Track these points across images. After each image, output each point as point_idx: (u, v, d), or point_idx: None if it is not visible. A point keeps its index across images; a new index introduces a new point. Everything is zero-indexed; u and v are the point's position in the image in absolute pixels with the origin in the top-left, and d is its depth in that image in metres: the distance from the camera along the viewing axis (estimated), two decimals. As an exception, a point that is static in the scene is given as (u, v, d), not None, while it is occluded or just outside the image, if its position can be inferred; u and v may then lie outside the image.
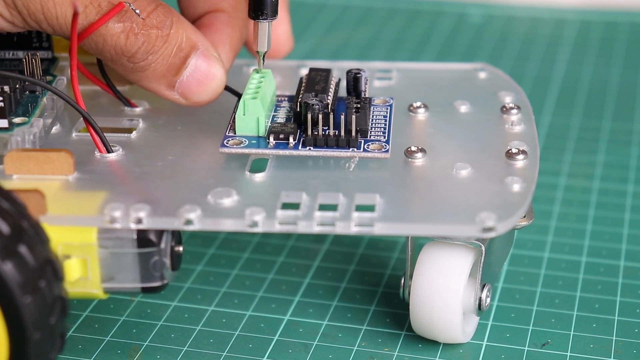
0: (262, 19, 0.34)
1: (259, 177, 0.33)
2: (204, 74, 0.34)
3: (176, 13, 0.34)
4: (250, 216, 0.31)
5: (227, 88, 0.36)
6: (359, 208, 0.31)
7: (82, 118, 0.36)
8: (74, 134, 0.35)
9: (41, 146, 0.34)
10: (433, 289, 0.33)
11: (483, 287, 0.34)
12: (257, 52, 0.35)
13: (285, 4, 0.38)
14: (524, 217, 0.34)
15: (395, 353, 0.34)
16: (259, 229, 0.31)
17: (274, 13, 0.35)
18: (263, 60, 0.35)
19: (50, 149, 0.33)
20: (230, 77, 0.36)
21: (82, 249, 0.31)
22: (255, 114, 0.34)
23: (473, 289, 0.34)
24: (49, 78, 0.36)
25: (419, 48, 0.58)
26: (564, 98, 0.52)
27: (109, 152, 0.34)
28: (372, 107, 0.36)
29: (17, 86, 0.34)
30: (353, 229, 0.31)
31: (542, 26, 0.60)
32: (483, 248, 0.33)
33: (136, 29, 0.32)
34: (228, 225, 0.31)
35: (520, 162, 0.34)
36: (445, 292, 0.33)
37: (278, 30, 0.38)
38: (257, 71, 0.35)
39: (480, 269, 0.33)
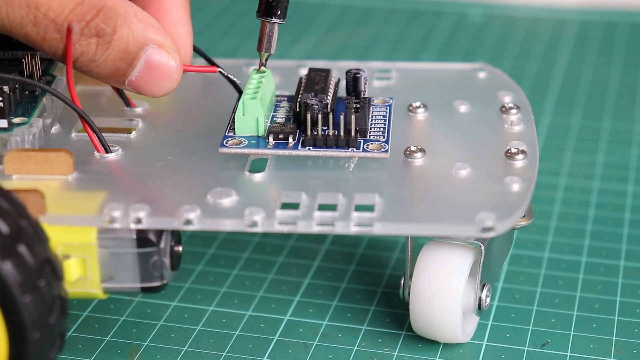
0: (270, 19, 0.34)
1: (258, 177, 0.33)
2: (155, 71, 0.33)
3: (123, 12, 0.32)
4: (250, 216, 0.31)
5: (229, 80, 0.35)
6: (359, 208, 0.31)
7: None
8: (73, 134, 0.35)
9: (41, 146, 0.34)
10: (433, 289, 0.33)
11: (483, 286, 0.34)
12: (260, 53, 0.35)
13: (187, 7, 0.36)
14: (524, 216, 0.34)
15: (395, 353, 0.34)
16: (258, 229, 0.31)
17: (284, 16, 0.34)
18: (265, 63, 0.35)
19: (49, 149, 0.33)
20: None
21: (82, 249, 0.31)
22: (254, 114, 0.34)
23: (473, 289, 0.34)
24: (48, 78, 0.36)
25: (419, 48, 0.58)
26: (564, 98, 0.52)
27: (107, 152, 0.34)
28: (371, 107, 0.36)
29: (17, 86, 0.34)
30: (352, 229, 0.31)
31: (542, 26, 0.60)
32: (483, 248, 0.33)
33: (73, 39, 0.31)
34: (227, 225, 0.31)
35: (519, 162, 0.34)
36: (445, 292, 0.33)
37: (178, 31, 0.35)
38: (256, 71, 0.35)
39: (480, 269, 0.33)
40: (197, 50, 0.37)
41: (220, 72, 0.35)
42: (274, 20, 0.34)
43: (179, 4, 0.34)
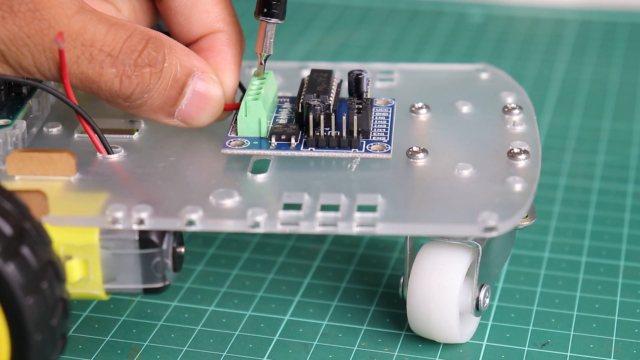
0: (269, 20, 0.34)
1: (260, 177, 0.33)
2: (203, 98, 0.33)
3: (167, 42, 0.33)
4: (252, 217, 0.31)
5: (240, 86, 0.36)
6: (361, 208, 0.32)
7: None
8: (75, 135, 0.35)
9: (26, 147, 0.34)
10: (429, 289, 0.33)
11: (481, 287, 0.34)
12: (259, 54, 0.35)
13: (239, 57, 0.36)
14: (527, 216, 0.34)
15: (395, 353, 0.34)
16: (260, 230, 0.31)
17: (283, 16, 0.34)
18: (264, 64, 0.35)
19: (52, 150, 0.33)
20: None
21: (84, 250, 0.31)
22: (257, 115, 0.34)
23: (470, 289, 0.34)
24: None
25: (419, 48, 0.58)
26: (564, 98, 0.52)
27: (108, 152, 0.34)
28: (373, 108, 0.36)
29: (2, 87, 0.34)
30: (355, 229, 0.31)
31: (542, 26, 0.60)
32: (480, 248, 0.33)
33: (129, 72, 0.32)
34: (230, 226, 0.31)
35: (522, 162, 0.34)
36: (441, 292, 0.33)
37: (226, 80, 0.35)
38: (256, 75, 0.35)
39: (477, 269, 0.33)
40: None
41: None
42: (272, 20, 0.34)
43: (229, 52, 0.35)
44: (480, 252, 0.33)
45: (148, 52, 0.32)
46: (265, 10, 0.34)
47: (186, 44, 0.35)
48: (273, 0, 0.34)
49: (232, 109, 0.35)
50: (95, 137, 0.34)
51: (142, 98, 0.33)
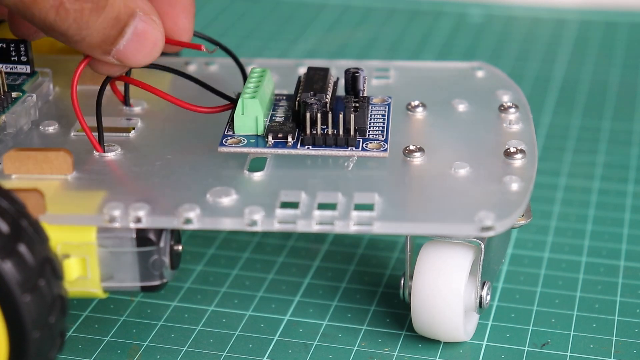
0: None
1: (257, 176, 0.33)
2: (142, 40, 0.32)
3: None
4: (250, 215, 0.31)
5: (221, 94, 0.35)
6: (358, 207, 0.31)
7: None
8: (72, 134, 0.35)
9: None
10: (434, 288, 0.33)
11: (483, 284, 0.34)
12: None
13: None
14: (522, 216, 0.34)
15: (395, 353, 0.34)
16: (258, 228, 0.31)
17: None
18: None
19: (49, 149, 0.33)
20: (228, 76, 0.36)
21: (82, 248, 0.31)
22: (253, 113, 0.34)
23: (473, 287, 0.34)
24: (17, 94, 0.36)
25: (419, 48, 0.58)
26: (564, 98, 0.52)
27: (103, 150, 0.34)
28: (370, 106, 0.36)
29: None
30: (352, 228, 0.31)
31: (542, 26, 0.60)
32: (482, 246, 0.33)
33: (67, 4, 0.30)
34: (227, 224, 0.31)
35: (518, 161, 0.34)
36: (446, 291, 0.33)
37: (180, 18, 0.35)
38: (255, 70, 0.35)
39: (480, 267, 0.33)
40: (223, 48, 0.36)
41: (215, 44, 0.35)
42: None
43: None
44: (483, 249, 0.33)
45: None
46: None
47: None
48: None
49: (173, 43, 0.34)
50: (92, 135, 0.34)
51: (80, 34, 0.31)
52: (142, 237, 0.31)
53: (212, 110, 0.35)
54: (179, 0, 0.34)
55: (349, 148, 0.33)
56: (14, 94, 0.35)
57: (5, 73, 0.36)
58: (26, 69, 0.37)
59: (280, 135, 0.34)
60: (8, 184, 0.32)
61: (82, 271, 0.31)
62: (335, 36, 0.59)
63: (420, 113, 0.37)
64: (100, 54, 0.32)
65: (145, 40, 0.32)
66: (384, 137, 0.34)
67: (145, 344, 0.35)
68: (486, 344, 0.35)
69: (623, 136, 0.48)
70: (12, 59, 0.37)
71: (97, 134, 0.34)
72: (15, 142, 0.35)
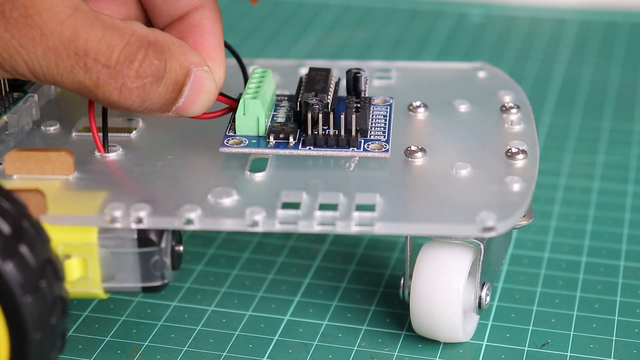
0: None
1: (259, 176, 0.33)
2: (198, 92, 0.32)
3: (166, 44, 0.31)
4: (251, 216, 0.31)
5: (222, 94, 0.35)
6: (359, 208, 0.31)
7: (82, 118, 0.36)
8: (74, 134, 0.35)
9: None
10: (433, 288, 0.33)
11: (483, 285, 0.34)
12: None
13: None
14: (524, 216, 0.34)
15: (395, 353, 0.34)
16: (259, 229, 0.31)
17: None
18: None
19: (50, 149, 0.33)
20: (229, 77, 0.36)
21: (83, 249, 0.31)
22: (255, 114, 0.34)
23: (473, 288, 0.34)
24: (19, 94, 0.36)
25: (419, 48, 0.58)
26: (564, 98, 0.52)
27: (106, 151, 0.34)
28: (371, 107, 0.36)
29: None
30: (353, 229, 0.31)
31: (542, 26, 0.60)
32: (482, 246, 0.33)
33: (129, 84, 0.30)
34: (228, 224, 0.31)
35: (520, 161, 0.34)
36: (445, 291, 0.33)
37: (214, 56, 0.35)
38: (256, 71, 0.35)
39: (480, 268, 0.33)
40: (227, 46, 0.36)
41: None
42: None
43: (214, 30, 0.34)
44: (482, 250, 0.33)
45: (150, 62, 0.30)
46: None
47: (168, 21, 0.34)
48: None
49: (223, 102, 0.34)
50: (98, 135, 0.34)
51: (143, 106, 0.31)
52: (143, 238, 0.31)
53: (212, 115, 0.34)
54: (207, 33, 0.34)
55: (351, 149, 0.33)
56: (15, 94, 0.35)
57: None
58: None
59: (281, 135, 0.34)
60: (9, 184, 0.32)
61: (83, 272, 0.31)
62: (335, 36, 0.59)
63: (421, 114, 0.37)
64: (160, 114, 0.32)
65: (201, 92, 0.32)
66: (386, 138, 0.34)
67: (145, 344, 0.35)
68: (486, 344, 0.35)
69: (623, 136, 0.48)
70: None
71: (101, 134, 0.34)
72: (17, 142, 0.35)
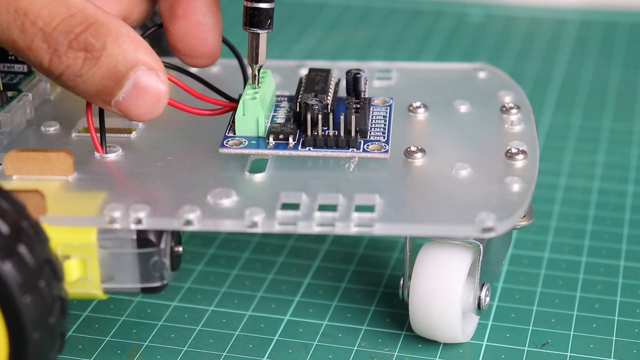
0: (257, 30, 0.34)
1: (258, 177, 0.33)
2: (142, 94, 0.32)
3: (115, 30, 0.31)
4: (250, 217, 0.31)
5: (223, 94, 0.35)
6: (359, 208, 0.31)
7: (81, 119, 0.36)
8: (73, 135, 0.35)
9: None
10: (432, 289, 0.33)
11: (482, 286, 0.34)
12: (253, 65, 0.34)
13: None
14: (524, 217, 0.34)
15: (395, 353, 0.34)
16: (258, 230, 0.31)
17: (271, 25, 0.34)
18: (258, 74, 0.34)
19: (50, 150, 0.33)
20: (229, 77, 0.36)
21: (82, 249, 0.31)
22: (254, 115, 0.34)
23: (472, 289, 0.34)
24: (13, 93, 0.36)
25: (419, 48, 0.58)
26: (564, 98, 0.52)
27: (105, 152, 0.34)
28: (371, 107, 0.36)
29: None
30: (353, 230, 0.31)
31: (542, 26, 0.60)
32: (481, 247, 0.33)
33: (60, 52, 0.30)
34: (228, 225, 0.31)
35: (520, 162, 0.34)
36: (444, 292, 0.33)
37: (206, 21, 0.35)
38: (252, 86, 0.35)
39: (479, 268, 0.33)
40: (225, 42, 0.36)
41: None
42: (260, 31, 0.34)
43: None
44: (482, 251, 0.33)
45: (85, 37, 0.31)
46: (251, 20, 0.34)
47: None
48: (258, 11, 0.34)
49: (175, 106, 0.34)
50: (96, 135, 0.34)
51: (74, 81, 0.31)
52: (143, 239, 0.31)
53: (213, 112, 0.34)
54: (203, 21, 0.34)
55: (350, 149, 0.33)
56: (9, 93, 0.35)
57: (2, 72, 0.36)
58: (23, 68, 0.37)
59: (281, 136, 0.34)
60: (9, 185, 0.32)
61: (83, 272, 0.31)
62: (335, 36, 0.59)
63: (421, 114, 0.37)
64: (100, 102, 0.32)
65: (145, 94, 0.32)
66: (385, 139, 0.34)
67: (145, 344, 0.35)
68: (486, 344, 0.35)
69: (623, 136, 0.48)
70: (9, 58, 0.37)
71: (99, 134, 0.34)
72: (10, 140, 0.35)
